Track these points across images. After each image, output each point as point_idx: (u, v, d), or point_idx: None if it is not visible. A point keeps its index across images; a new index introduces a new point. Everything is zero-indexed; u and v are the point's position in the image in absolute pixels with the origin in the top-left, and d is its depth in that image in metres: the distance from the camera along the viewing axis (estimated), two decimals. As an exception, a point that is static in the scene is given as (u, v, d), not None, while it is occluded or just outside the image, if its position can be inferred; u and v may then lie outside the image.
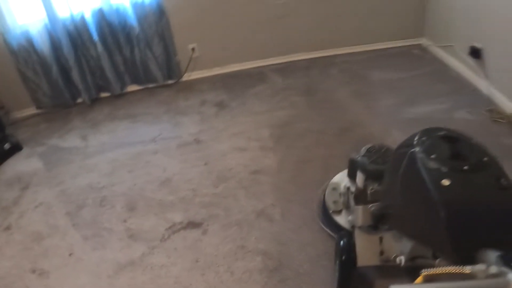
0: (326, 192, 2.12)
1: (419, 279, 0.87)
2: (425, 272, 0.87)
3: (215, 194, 2.55)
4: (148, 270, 2.15)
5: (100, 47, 3.42)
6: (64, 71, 3.50)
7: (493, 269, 0.79)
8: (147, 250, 2.25)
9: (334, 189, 2.10)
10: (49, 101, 3.62)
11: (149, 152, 2.99)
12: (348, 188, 1.94)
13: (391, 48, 4.06)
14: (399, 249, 1.55)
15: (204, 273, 2.09)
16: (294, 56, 3.93)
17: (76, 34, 3.36)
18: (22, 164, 3.12)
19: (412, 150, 1.19)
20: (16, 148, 3.26)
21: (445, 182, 1.05)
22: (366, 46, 4.00)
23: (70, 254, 2.31)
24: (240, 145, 2.94)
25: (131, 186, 2.70)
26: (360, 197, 1.75)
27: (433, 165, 1.11)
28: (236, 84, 3.72)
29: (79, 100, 3.69)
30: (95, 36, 3.38)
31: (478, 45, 3.27)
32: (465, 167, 1.09)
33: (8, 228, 2.53)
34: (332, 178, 2.19)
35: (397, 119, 3.05)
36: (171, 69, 3.72)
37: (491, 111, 3.07)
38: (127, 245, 2.30)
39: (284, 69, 3.88)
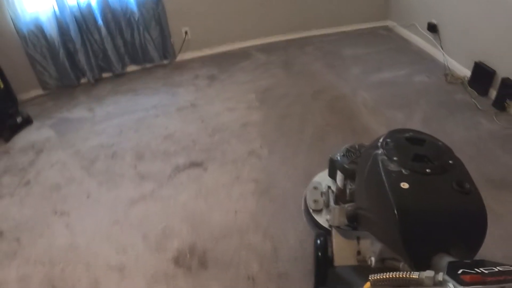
0: (308, 191, 2.08)
1: (367, 284, 0.82)
2: (372, 277, 0.80)
3: (212, 142, 2.97)
4: (159, 201, 2.54)
5: (104, 31, 3.80)
6: (70, 54, 3.85)
7: (440, 276, 0.74)
8: (157, 186, 2.64)
9: (316, 188, 2.07)
10: (55, 82, 3.94)
11: (151, 116, 3.38)
12: (329, 187, 1.96)
13: (360, 29, 4.58)
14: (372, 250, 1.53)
15: (207, 199, 2.50)
16: (274, 37, 4.40)
17: (82, 20, 3.73)
18: (34, 134, 3.39)
19: (376, 152, 1.17)
20: (27, 121, 3.52)
21: (404, 185, 1.02)
22: (338, 28, 4.51)
23: (87, 197, 2.65)
24: (231, 106, 3.38)
25: (138, 142, 3.08)
26: (341, 196, 1.79)
27: (394, 167, 1.08)
28: (224, 61, 4.15)
29: (83, 81, 4.03)
30: (100, 21, 3.76)
31: (434, 21, 3.79)
32: (427, 170, 1.06)
33: (27, 183, 2.82)
34: (313, 179, 2.17)
35: (363, 83, 3.53)
36: (167, 50, 4.12)
37: (446, 75, 3.58)
38: (139, 185, 2.68)
39: (266, 48, 4.35)
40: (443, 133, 2.88)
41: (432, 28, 3.81)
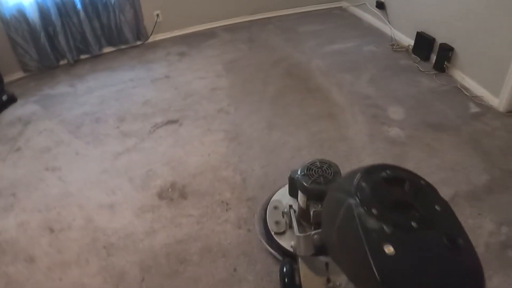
0: (268, 212, 1.91)
1: None
2: None
3: (185, 104, 3.32)
4: (141, 152, 2.86)
5: (82, 15, 4.06)
6: (50, 37, 4.09)
7: None
8: (138, 141, 2.96)
9: (276, 207, 1.90)
10: (36, 64, 4.15)
11: (129, 87, 3.69)
12: (291, 207, 1.79)
13: (316, 10, 5.02)
14: (343, 278, 1.45)
15: (183, 147, 2.85)
16: (238, 19, 4.77)
17: (62, 4, 3.98)
18: (20, 110, 3.58)
19: (350, 201, 0.99)
20: (12, 100, 3.70)
21: (388, 249, 0.86)
22: (296, 9, 4.94)
23: (76, 154, 2.93)
24: (200, 75, 3.74)
25: (119, 108, 3.39)
26: (304, 216, 1.66)
27: (374, 224, 0.91)
28: (193, 40, 4.50)
29: (62, 62, 4.26)
30: (79, 5, 4.02)
31: (381, -1, 4.26)
32: (413, 224, 0.91)
33: (18, 149, 3.03)
34: (273, 196, 2.03)
35: (318, 53, 3.97)
36: (140, 32, 4.43)
37: (392, 45, 4.05)
38: (122, 141, 2.99)
39: (230, 28, 4.72)
40: (387, 89, 3.33)
41: (380, 5, 4.28)
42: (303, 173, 1.60)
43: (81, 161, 2.82)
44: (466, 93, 3.21)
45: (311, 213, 1.54)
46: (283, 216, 1.84)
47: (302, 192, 1.60)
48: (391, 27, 4.16)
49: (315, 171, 1.59)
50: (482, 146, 2.70)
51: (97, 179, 2.64)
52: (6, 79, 3.92)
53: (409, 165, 2.53)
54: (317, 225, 1.46)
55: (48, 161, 2.86)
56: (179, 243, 2.14)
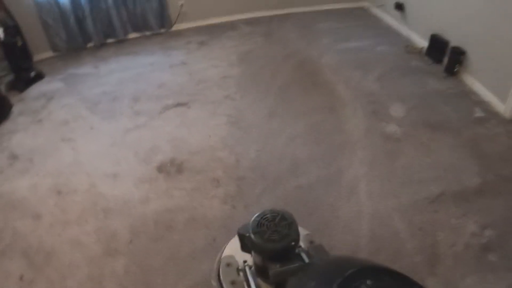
0: (221, 270, 1.64)
1: None
2: None
3: (196, 89, 3.52)
4: (149, 129, 3.07)
5: (110, 1, 4.35)
6: (79, 21, 4.39)
7: None
8: (148, 119, 3.18)
9: (229, 264, 1.66)
10: (64, 45, 4.45)
11: (148, 71, 3.92)
12: (246, 262, 1.62)
13: (338, 9, 5.12)
14: None
15: (188, 128, 3.04)
16: (259, 13, 4.94)
17: (92, -11, 4.29)
18: (46, 86, 3.88)
19: None
20: (40, 76, 4.01)
21: None
22: (317, 7, 5.05)
23: (91, 128, 3.18)
24: (215, 64, 3.93)
25: (135, 89, 3.62)
26: (262, 274, 1.48)
27: None
28: (214, 31, 4.70)
29: (89, 45, 4.58)
30: (107, -9, 4.32)
31: (401, 1, 4.33)
32: None
33: (39, 121, 3.32)
34: (223, 250, 1.73)
35: (330, 49, 4.08)
36: (164, 20, 4.67)
37: (406, 46, 4.11)
38: (134, 119, 3.22)
39: (251, 22, 4.89)
40: (393, 88, 3.41)
41: (399, 7, 4.35)
42: (254, 231, 1.35)
43: (94, 134, 3.06)
44: (473, 97, 3.24)
45: (270, 274, 1.33)
46: (238, 274, 1.59)
47: (256, 252, 1.41)
48: (407, 28, 4.22)
49: (267, 226, 1.36)
50: (480, 150, 2.72)
51: (106, 151, 2.86)
52: (37, 58, 4.24)
53: (400, 161, 2.62)
54: (279, 286, 1.31)
55: (65, 133, 3.10)
56: (168, 212, 2.33)
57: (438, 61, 3.76)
